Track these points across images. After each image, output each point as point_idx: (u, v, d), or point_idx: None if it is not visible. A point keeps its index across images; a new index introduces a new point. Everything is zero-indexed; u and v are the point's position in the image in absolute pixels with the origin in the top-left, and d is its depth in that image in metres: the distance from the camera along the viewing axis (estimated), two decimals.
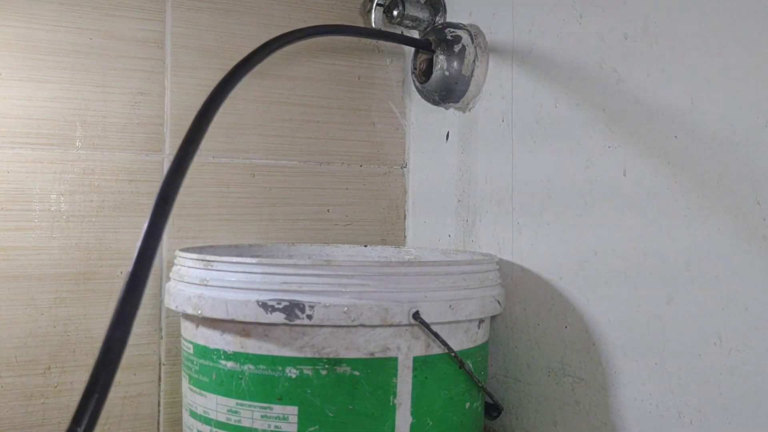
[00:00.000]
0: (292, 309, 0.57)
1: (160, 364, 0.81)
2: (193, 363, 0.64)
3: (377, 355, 0.59)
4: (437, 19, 0.87)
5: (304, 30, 0.68)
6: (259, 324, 0.59)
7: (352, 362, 0.59)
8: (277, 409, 0.59)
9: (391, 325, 0.59)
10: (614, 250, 0.64)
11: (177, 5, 0.82)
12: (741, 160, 0.54)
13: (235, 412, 0.60)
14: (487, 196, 0.79)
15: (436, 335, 0.60)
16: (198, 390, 0.63)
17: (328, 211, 0.90)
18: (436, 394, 0.62)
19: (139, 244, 0.45)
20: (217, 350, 0.61)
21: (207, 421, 0.62)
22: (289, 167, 0.88)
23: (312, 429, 0.59)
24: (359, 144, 0.92)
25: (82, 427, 0.38)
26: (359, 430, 0.59)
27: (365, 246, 0.85)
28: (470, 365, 0.64)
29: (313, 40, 0.88)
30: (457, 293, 0.62)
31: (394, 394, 0.60)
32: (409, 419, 0.61)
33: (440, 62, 0.80)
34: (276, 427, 0.59)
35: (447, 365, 0.63)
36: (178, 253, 0.67)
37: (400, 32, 0.91)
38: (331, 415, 0.59)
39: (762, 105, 0.52)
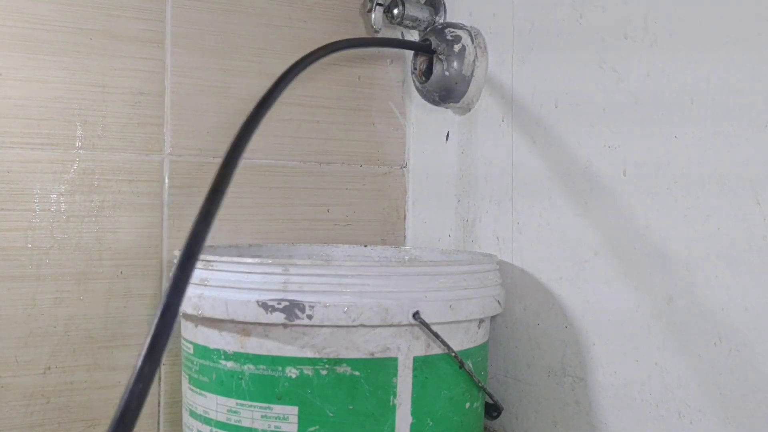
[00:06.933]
0: (292, 309, 0.57)
1: (160, 364, 0.80)
2: (193, 363, 0.64)
3: (377, 355, 0.59)
4: (437, 19, 0.87)
5: (334, 44, 0.69)
6: (259, 324, 0.59)
7: (352, 362, 0.59)
8: (277, 409, 0.59)
9: (391, 325, 0.59)
10: (614, 250, 0.64)
11: (177, 5, 0.82)
12: (741, 160, 0.54)
13: (235, 412, 0.60)
14: (487, 196, 0.79)
15: (436, 335, 0.60)
16: (198, 390, 0.63)
17: (328, 211, 0.90)
18: (436, 394, 0.62)
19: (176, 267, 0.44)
20: (217, 350, 0.61)
21: (207, 421, 0.62)
22: (289, 167, 0.88)
23: (312, 429, 0.59)
24: (359, 144, 0.92)
25: None
26: (359, 430, 0.59)
27: (365, 246, 0.85)
28: (470, 365, 0.64)
29: (312, 39, 0.88)
30: (457, 293, 0.62)
31: (395, 394, 0.60)
32: (409, 419, 0.61)
33: (440, 62, 0.80)
34: (276, 427, 0.59)
35: (447, 365, 0.63)
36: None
37: (399, 32, 0.91)
38: (331, 415, 0.59)
39: (762, 105, 0.52)
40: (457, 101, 0.81)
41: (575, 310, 0.68)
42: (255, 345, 0.59)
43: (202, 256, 0.62)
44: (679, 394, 0.58)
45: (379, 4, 0.86)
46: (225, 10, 0.84)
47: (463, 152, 0.84)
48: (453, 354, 0.62)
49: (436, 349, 0.62)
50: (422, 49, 0.82)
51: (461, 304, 0.62)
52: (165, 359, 0.81)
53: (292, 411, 0.59)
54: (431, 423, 0.62)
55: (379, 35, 0.90)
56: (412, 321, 0.59)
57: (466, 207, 0.83)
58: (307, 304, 0.57)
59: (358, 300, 0.58)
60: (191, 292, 0.62)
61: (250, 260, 0.60)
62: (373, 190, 0.93)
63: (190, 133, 0.82)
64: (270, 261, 0.59)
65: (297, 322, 0.57)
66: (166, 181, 0.81)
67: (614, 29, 0.64)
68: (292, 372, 0.59)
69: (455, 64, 0.79)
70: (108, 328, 0.78)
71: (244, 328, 0.60)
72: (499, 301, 0.67)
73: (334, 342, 0.58)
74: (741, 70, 0.54)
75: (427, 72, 0.82)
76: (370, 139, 0.93)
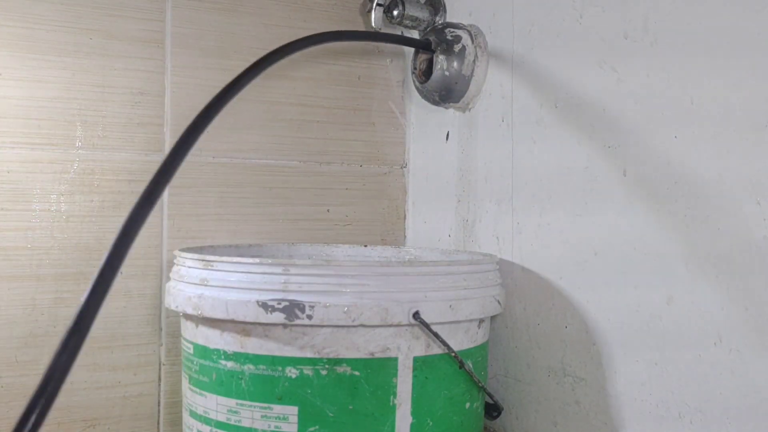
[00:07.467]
0: (292, 309, 0.57)
1: (160, 364, 0.81)
2: (193, 363, 0.64)
3: (377, 355, 0.59)
4: (437, 19, 0.87)
5: (308, 39, 0.68)
6: (259, 324, 0.59)
7: (352, 362, 0.59)
8: (277, 409, 0.59)
9: (391, 325, 0.59)
10: (614, 250, 0.64)
11: (177, 5, 0.82)
12: (741, 160, 0.54)
13: (236, 412, 0.60)
14: (487, 195, 0.79)
15: (436, 335, 0.60)
16: (198, 390, 0.63)
17: (328, 211, 0.90)
18: (436, 394, 0.62)
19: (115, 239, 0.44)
20: (217, 350, 0.61)
21: (207, 421, 0.62)
22: (289, 167, 0.88)
23: (312, 429, 0.59)
24: (359, 144, 0.92)
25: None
26: (359, 430, 0.59)
27: (365, 246, 0.85)
28: (470, 365, 0.64)
29: None
30: (457, 293, 0.62)
31: (394, 394, 0.60)
32: (409, 419, 0.61)
33: (440, 62, 0.80)
34: (276, 427, 0.59)
35: (447, 365, 0.63)
36: (177, 252, 0.67)
37: (400, 32, 0.91)
38: (331, 415, 0.59)
39: (762, 104, 0.52)
40: (457, 101, 0.81)
41: (575, 310, 0.68)
42: (255, 345, 0.59)
43: (202, 256, 0.62)
44: (679, 394, 0.58)
45: (379, 5, 0.86)
46: (225, 10, 0.84)
47: (463, 152, 0.84)
48: (453, 354, 0.62)
49: (436, 349, 0.62)
50: (420, 45, 0.82)
51: (461, 304, 0.62)
52: (165, 359, 0.81)
53: (292, 411, 0.59)
54: (431, 423, 0.62)
55: None
56: (412, 321, 0.59)
57: (466, 207, 0.83)
58: (307, 304, 0.57)
59: (358, 300, 0.58)
60: (191, 291, 0.62)
61: (250, 260, 0.60)
62: (373, 190, 0.93)
63: None
64: (270, 261, 0.59)
65: (297, 322, 0.57)
66: None
67: (614, 29, 0.64)
68: (292, 372, 0.59)
69: (455, 63, 0.79)
70: (108, 328, 0.78)
71: (244, 328, 0.60)
72: (499, 301, 0.67)
73: (334, 342, 0.58)
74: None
75: (427, 72, 0.82)
76: (370, 139, 0.93)
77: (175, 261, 0.68)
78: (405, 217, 0.95)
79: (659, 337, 0.60)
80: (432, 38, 0.81)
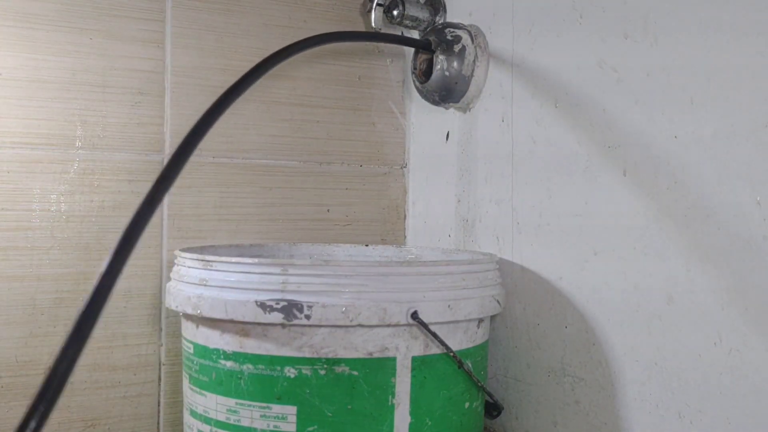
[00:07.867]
0: (290, 309, 0.57)
1: (160, 364, 0.81)
2: (193, 363, 0.64)
3: (376, 355, 0.59)
4: (437, 19, 0.87)
5: (308, 40, 0.68)
6: (258, 324, 0.59)
7: (351, 362, 0.59)
8: (276, 408, 0.59)
9: (389, 325, 0.59)
10: (614, 250, 0.64)
11: (177, 5, 0.82)
12: (741, 160, 0.53)
13: (235, 411, 0.60)
14: (487, 195, 0.79)
15: (434, 335, 0.60)
16: (198, 389, 0.63)
17: (328, 211, 0.90)
18: (435, 393, 0.62)
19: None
20: (217, 350, 0.61)
21: (207, 420, 0.62)
22: (289, 167, 0.88)
23: (311, 429, 0.59)
24: (359, 144, 0.92)
25: None
26: (358, 429, 0.59)
27: (366, 245, 0.85)
28: (470, 365, 0.64)
29: None
30: (456, 293, 0.62)
31: (393, 394, 0.60)
32: (408, 419, 0.60)
33: (440, 62, 0.80)
34: (275, 426, 0.59)
35: (446, 365, 0.63)
36: (177, 252, 0.67)
37: (400, 32, 0.91)
38: (329, 414, 0.59)
39: (762, 104, 0.52)
40: (457, 101, 0.81)
41: (575, 310, 0.68)
42: (254, 345, 0.59)
43: (201, 256, 0.62)
44: (679, 394, 0.58)
45: (379, 5, 0.86)
46: (225, 10, 0.84)
47: (463, 152, 0.84)
48: (452, 354, 0.61)
49: (435, 349, 0.61)
50: (421, 45, 0.82)
51: (460, 303, 0.62)
52: (165, 359, 0.81)
53: (291, 411, 0.59)
54: (430, 423, 0.62)
55: None
56: (411, 321, 0.59)
57: (466, 207, 0.83)
58: (305, 304, 0.57)
59: (356, 300, 0.58)
60: (191, 291, 0.62)
61: (248, 260, 0.60)
62: (373, 190, 0.93)
63: None
64: (268, 261, 0.59)
65: (295, 322, 0.57)
66: None
67: (614, 29, 0.64)
68: (290, 372, 0.59)
69: (455, 64, 0.79)
70: (108, 328, 0.78)
71: (242, 328, 0.60)
72: (498, 301, 0.67)
73: (333, 342, 0.58)
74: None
75: (427, 72, 0.82)
76: (370, 139, 0.93)
77: (175, 261, 0.68)
78: (405, 217, 0.95)
79: (659, 337, 0.60)
80: (432, 38, 0.81)
